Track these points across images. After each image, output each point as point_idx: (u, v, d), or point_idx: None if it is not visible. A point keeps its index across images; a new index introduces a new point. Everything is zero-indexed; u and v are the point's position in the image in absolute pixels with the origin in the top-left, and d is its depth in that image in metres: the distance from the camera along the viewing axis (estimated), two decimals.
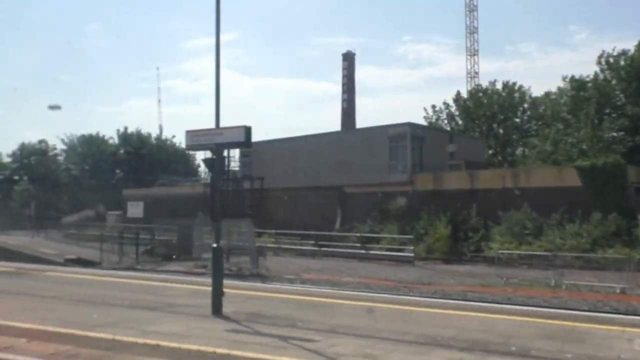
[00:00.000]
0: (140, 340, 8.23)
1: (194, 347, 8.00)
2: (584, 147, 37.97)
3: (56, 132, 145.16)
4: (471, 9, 65.47)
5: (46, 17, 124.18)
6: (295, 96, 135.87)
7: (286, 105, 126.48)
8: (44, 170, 65.63)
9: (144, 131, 70.16)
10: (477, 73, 64.83)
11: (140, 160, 64.91)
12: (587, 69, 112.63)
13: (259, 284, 18.13)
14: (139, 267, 26.82)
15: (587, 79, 42.36)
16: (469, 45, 65.66)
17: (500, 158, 48.68)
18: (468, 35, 65.71)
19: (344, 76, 79.41)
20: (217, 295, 10.21)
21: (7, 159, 69.16)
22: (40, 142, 69.37)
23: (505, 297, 17.53)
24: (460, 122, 52.91)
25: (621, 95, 41.42)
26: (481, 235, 30.01)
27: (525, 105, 52.05)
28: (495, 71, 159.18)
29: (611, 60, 41.52)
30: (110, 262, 28.10)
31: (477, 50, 65.48)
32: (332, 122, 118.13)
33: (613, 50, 41.97)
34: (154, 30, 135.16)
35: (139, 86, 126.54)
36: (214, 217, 11.43)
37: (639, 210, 26.66)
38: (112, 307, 11.05)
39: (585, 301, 16.66)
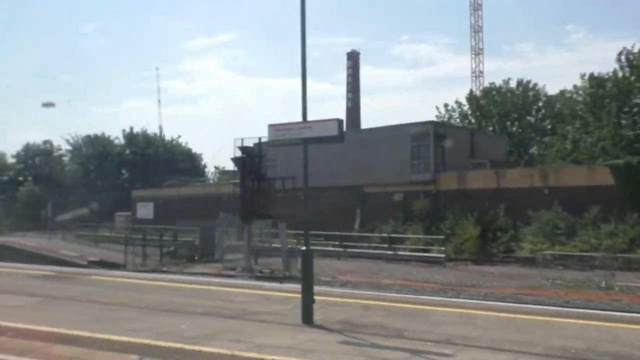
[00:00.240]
0: (258, 356, 7.48)
1: None
2: (605, 145, 37.57)
3: (56, 132, 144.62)
4: (476, 7, 64.84)
5: (46, 17, 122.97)
6: (295, 96, 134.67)
7: (286, 106, 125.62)
8: (49, 170, 64.74)
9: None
10: (482, 72, 64.38)
11: (146, 160, 64.11)
12: (587, 68, 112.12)
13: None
14: (164, 269, 26.28)
15: (606, 77, 41.91)
16: (473, 44, 65.12)
17: (516, 156, 48.18)
18: (473, 34, 65.03)
19: (348, 75, 78.57)
20: (308, 302, 9.62)
21: (11, 160, 68.17)
22: (45, 142, 68.40)
23: (563, 300, 17.09)
24: (473, 120, 52.50)
25: None
26: (510, 236, 29.45)
27: (540, 104, 51.69)
28: (495, 71, 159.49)
29: (631, 57, 41.09)
30: (134, 264, 27.58)
31: (481, 49, 64.92)
32: None
33: (632, 47, 41.61)
34: (154, 31, 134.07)
35: (138, 86, 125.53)
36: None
37: None
38: (190, 315, 10.34)
39: None
